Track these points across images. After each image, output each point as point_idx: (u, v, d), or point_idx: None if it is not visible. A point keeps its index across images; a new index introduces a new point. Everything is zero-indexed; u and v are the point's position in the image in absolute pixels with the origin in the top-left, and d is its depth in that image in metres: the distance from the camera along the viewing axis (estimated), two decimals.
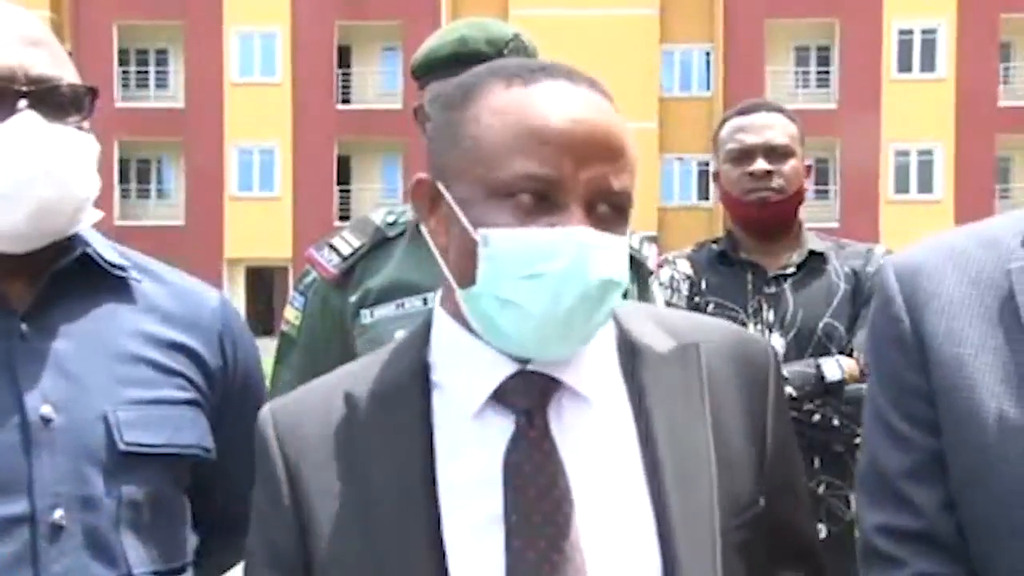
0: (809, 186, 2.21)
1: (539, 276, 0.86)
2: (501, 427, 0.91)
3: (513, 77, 0.91)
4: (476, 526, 0.89)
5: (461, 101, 0.93)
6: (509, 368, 0.92)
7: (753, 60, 26.56)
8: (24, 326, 1.14)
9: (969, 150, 25.88)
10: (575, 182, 0.87)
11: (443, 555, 0.89)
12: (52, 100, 1.13)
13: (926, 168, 26.56)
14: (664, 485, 0.89)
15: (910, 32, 26.42)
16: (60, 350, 1.15)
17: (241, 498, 1.31)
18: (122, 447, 1.14)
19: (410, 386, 0.94)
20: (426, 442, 0.92)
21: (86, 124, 1.18)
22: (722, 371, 0.96)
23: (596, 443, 0.91)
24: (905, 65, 26.45)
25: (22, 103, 1.11)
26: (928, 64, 26.41)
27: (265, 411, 1.00)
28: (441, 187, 0.92)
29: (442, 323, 0.96)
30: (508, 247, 0.87)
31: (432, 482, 0.91)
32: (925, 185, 26.60)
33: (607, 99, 0.93)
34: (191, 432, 1.21)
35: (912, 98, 26.01)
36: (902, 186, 26.56)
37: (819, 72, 27.59)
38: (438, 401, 0.94)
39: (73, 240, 1.19)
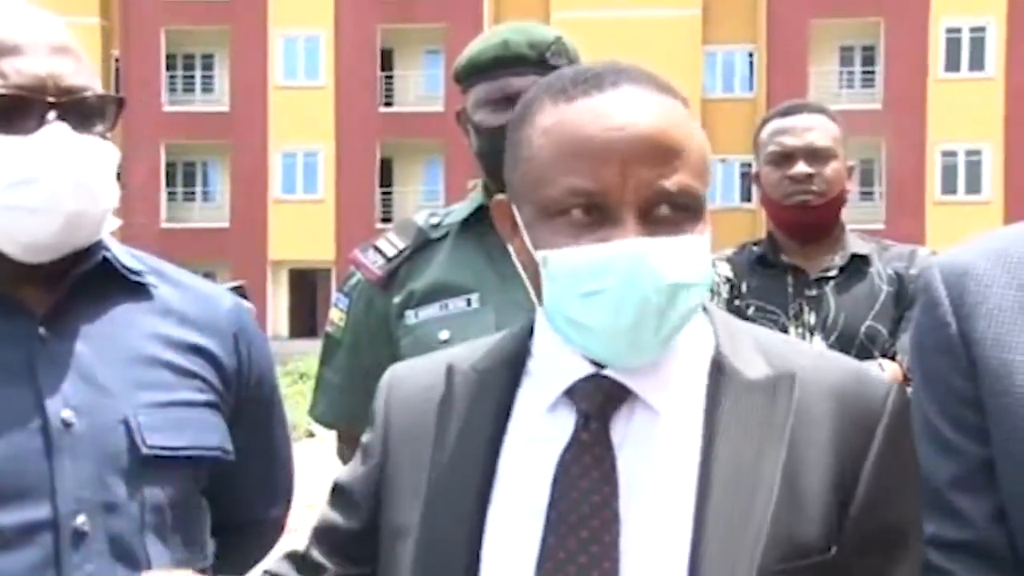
0: (853, 188, 2.18)
1: (596, 293, 0.86)
2: (568, 425, 0.92)
3: (559, 93, 0.91)
4: (521, 516, 0.91)
5: (519, 121, 0.94)
6: (585, 369, 0.92)
7: (797, 60, 26.28)
8: (43, 330, 1.13)
9: (1019, 150, 25.39)
10: (623, 191, 0.86)
11: (480, 539, 0.90)
12: (80, 110, 1.12)
13: (974, 169, 26.10)
14: (707, 510, 0.87)
15: (958, 30, 25.98)
16: (79, 354, 1.14)
17: (251, 503, 1.31)
18: (144, 451, 1.13)
19: (504, 369, 0.96)
20: (500, 425, 0.94)
21: (108, 133, 1.16)
22: (818, 408, 0.90)
23: (656, 457, 0.90)
24: (953, 64, 26.01)
25: (51, 115, 1.09)
26: (977, 63, 25.96)
27: (389, 370, 1.04)
28: (514, 208, 0.94)
29: (540, 318, 0.98)
30: (563, 267, 0.88)
31: (492, 465, 0.93)
32: (973, 186, 26.14)
33: (668, 95, 0.91)
34: (212, 434, 1.20)
35: (960, 97, 25.57)
36: (949, 187, 26.12)
37: (864, 72, 27.23)
38: (526, 388, 0.96)
39: (92, 246, 1.18)
